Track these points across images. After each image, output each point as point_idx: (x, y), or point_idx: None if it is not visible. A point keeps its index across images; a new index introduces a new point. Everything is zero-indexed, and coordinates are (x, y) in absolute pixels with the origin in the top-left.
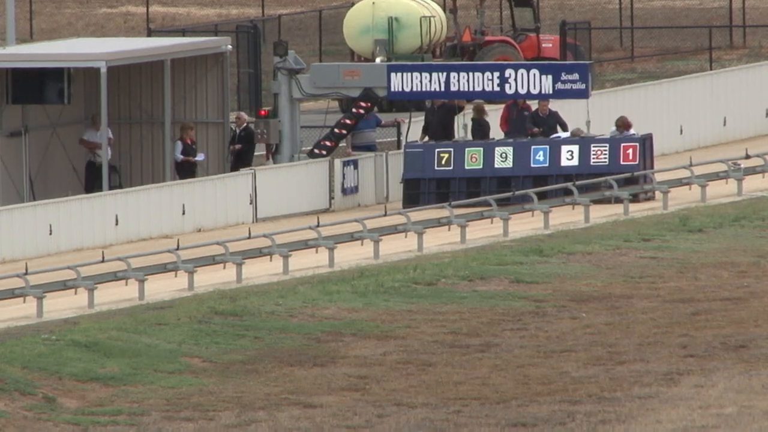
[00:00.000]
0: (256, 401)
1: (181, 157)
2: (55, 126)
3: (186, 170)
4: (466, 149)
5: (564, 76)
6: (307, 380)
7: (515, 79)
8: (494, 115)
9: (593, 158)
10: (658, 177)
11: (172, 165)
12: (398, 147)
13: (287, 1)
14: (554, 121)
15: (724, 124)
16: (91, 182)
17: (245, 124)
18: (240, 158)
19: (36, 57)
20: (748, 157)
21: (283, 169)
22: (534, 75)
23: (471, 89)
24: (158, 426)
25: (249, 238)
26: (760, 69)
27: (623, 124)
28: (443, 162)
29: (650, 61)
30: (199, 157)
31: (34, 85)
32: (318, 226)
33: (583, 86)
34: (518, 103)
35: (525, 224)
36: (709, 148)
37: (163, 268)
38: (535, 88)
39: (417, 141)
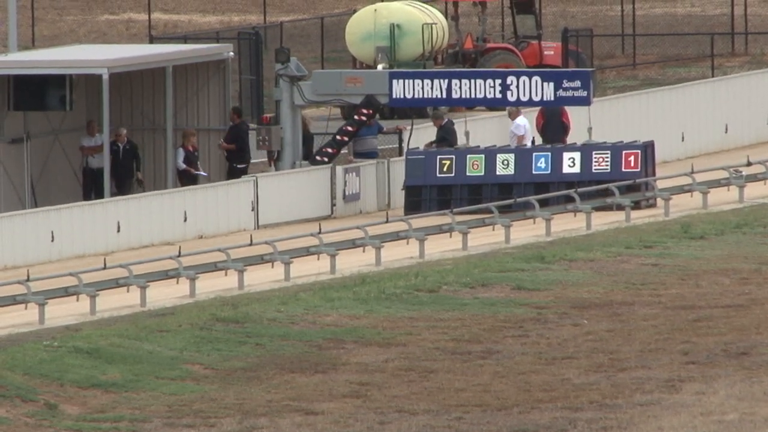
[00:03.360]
0: (257, 408)
1: (184, 165)
2: (57, 133)
3: (188, 177)
4: (468, 156)
5: (566, 84)
6: (308, 387)
7: (517, 86)
8: (498, 122)
9: (595, 165)
10: (660, 184)
11: (175, 172)
12: (400, 154)
13: (289, 7)
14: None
15: (726, 131)
16: (87, 187)
17: (126, 140)
18: (126, 175)
19: (38, 64)
20: (749, 164)
21: (285, 176)
22: (536, 82)
23: (473, 96)
24: None
25: (251, 244)
26: (762, 76)
27: None
28: (445, 169)
29: (652, 68)
30: (201, 173)
31: (36, 91)
32: (320, 232)
33: (585, 93)
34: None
35: (527, 231)
36: (710, 155)
37: (164, 275)
38: (537, 95)
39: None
